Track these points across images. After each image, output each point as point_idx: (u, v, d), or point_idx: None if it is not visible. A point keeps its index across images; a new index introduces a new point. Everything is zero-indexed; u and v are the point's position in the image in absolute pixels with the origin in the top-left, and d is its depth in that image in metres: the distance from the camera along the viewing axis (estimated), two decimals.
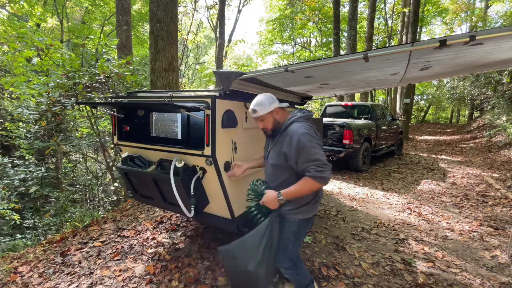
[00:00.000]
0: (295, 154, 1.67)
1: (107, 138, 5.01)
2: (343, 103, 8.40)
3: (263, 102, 1.78)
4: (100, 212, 4.55)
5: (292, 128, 1.74)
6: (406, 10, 15.51)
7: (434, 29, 24.09)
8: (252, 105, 1.82)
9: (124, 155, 2.60)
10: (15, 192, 5.35)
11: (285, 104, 1.89)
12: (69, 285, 2.44)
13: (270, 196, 1.74)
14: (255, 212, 1.84)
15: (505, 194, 5.05)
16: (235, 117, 2.30)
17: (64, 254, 2.95)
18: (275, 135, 1.88)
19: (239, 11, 18.65)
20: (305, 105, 4.47)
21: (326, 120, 6.89)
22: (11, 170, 5.64)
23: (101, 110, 4.90)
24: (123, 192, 5.23)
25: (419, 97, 28.65)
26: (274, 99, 1.82)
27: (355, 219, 3.91)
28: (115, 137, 2.73)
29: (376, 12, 15.59)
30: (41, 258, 2.94)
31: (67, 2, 13.49)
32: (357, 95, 14.07)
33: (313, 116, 1.92)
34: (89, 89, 4.49)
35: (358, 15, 14.84)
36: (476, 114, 20.44)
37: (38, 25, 12.67)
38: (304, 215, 1.81)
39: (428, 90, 27.19)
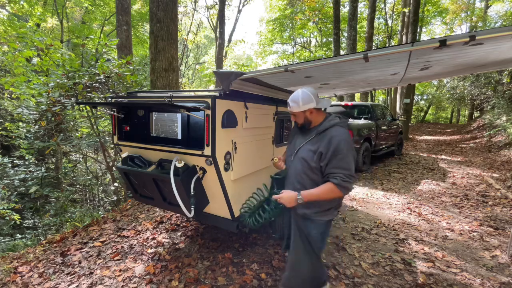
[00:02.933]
0: (330, 156, 1.67)
1: (107, 138, 5.01)
2: (343, 103, 8.40)
3: (298, 100, 1.77)
4: (100, 212, 4.55)
5: (335, 131, 1.73)
6: (406, 10, 15.51)
7: (434, 29, 24.11)
8: (289, 99, 1.84)
9: (124, 155, 2.60)
10: (15, 192, 5.35)
11: (326, 104, 1.84)
12: (69, 285, 2.44)
13: (288, 195, 1.74)
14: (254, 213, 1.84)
15: (505, 194, 5.05)
16: (235, 117, 2.30)
17: (64, 254, 2.95)
18: (306, 131, 1.87)
19: (239, 11, 18.66)
20: None
21: None
22: (11, 170, 5.64)
23: (101, 110, 4.90)
24: (123, 192, 5.23)
25: (419, 97, 28.66)
26: (311, 99, 1.77)
27: (355, 219, 3.90)
28: (115, 137, 2.73)
29: (376, 12, 15.59)
30: (41, 258, 2.93)
31: (67, 2, 13.48)
32: (357, 95, 14.08)
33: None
34: (89, 89, 4.49)
35: (358, 15, 14.85)
36: (476, 114, 20.43)
37: (38, 25, 12.67)
38: (329, 217, 1.85)
39: (428, 90, 27.19)
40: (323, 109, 1.91)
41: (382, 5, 19.53)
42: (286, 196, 1.74)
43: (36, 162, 5.91)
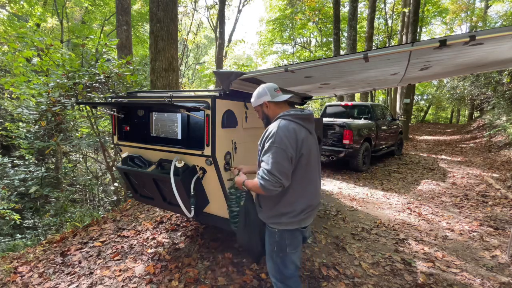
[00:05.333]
0: (260, 148, 1.62)
1: (107, 138, 5.01)
2: (343, 103, 8.39)
3: (254, 95, 1.77)
4: (100, 212, 4.55)
5: (275, 123, 1.61)
6: (406, 10, 15.51)
7: (434, 29, 24.12)
8: None
9: (124, 155, 2.61)
10: (15, 192, 5.35)
11: (282, 98, 1.72)
12: (69, 285, 2.44)
13: (238, 178, 1.82)
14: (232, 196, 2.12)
15: (505, 194, 5.05)
16: (235, 117, 2.30)
17: (64, 254, 2.95)
18: None
19: (239, 11, 18.69)
20: (305, 105, 4.47)
21: (326, 120, 6.89)
22: (11, 170, 5.63)
23: (101, 110, 4.90)
24: (123, 192, 5.23)
25: (419, 97, 28.65)
26: (264, 92, 1.71)
27: (355, 219, 3.90)
28: (115, 137, 2.73)
29: (376, 12, 15.59)
30: (41, 258, 2.94)
31: (67, 2, 13.48)
32: (357, 95, 14.07)
33: (310, 117, 1.69)
34: (89, 89, 4.49)
35: (358, 15, 14.84)
36: (476, 114, 20.44)
37: (38, 25, 12.66)
38: (283, 226, 1.62)
39: (428, 90, 27.19)
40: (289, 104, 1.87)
41: (382, 5, 19.54)
42: (238, 178, 1.81)
43: (36, 162, 5.90)
